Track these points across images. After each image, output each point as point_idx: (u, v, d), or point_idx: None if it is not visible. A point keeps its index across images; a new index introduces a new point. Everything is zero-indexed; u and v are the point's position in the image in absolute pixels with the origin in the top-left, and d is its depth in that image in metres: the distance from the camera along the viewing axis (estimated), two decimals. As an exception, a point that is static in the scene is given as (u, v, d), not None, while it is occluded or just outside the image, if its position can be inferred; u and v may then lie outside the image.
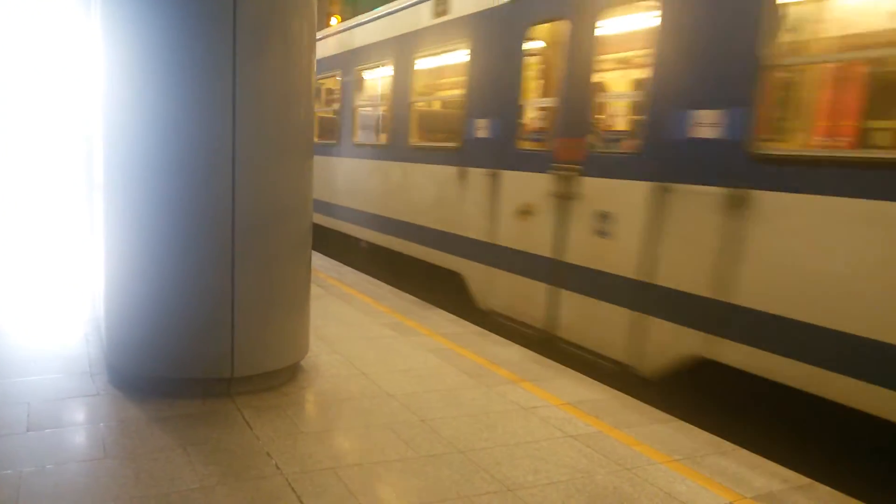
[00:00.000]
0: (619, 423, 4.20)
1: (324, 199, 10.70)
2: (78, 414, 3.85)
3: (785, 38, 4.23)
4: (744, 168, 4.32)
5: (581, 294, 5.63)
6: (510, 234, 6.51)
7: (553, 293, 5.93)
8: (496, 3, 6.66)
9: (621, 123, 6.03)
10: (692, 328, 4.68)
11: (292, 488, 3.14)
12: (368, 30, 9.59)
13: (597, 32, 5.45)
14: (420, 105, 8.53)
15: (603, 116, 6.07)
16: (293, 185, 4.37)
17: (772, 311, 4.17)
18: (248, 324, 4.19)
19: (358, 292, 7.50)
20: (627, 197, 5.15)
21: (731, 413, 4.55)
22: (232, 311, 4.13)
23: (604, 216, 5.40)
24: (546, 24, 6.29)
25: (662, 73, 4.90)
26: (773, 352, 4.16)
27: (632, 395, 4.72)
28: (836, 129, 4.58)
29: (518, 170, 6.39)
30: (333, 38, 10.97)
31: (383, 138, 9.23)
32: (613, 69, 6.30)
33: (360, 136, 10.14)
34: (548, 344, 5.92)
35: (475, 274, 7.08)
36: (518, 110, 6.44)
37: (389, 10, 8.84)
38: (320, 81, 11.59)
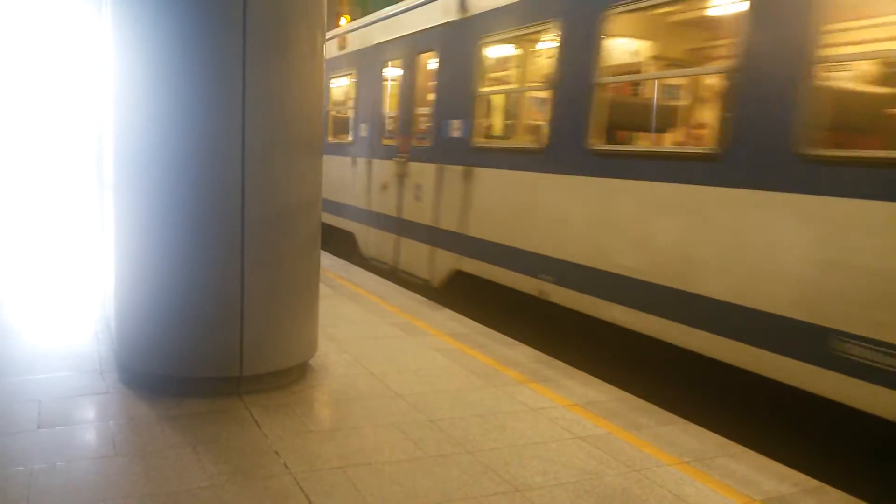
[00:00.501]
0: (628, 424, 4.19)
1: None
2: (88, 412, 3.87)
3: (484, 80, 7.39)
4: (470, 154, 7.30)
5: (409, 239, 8.56)
6: (377, 203, 9.48)
7: (397, 240, 8.91)
8: (368, 45, 9.88)
9: (424, 127, 8.55)
10: (454, 252, 7.58)
11: (301, 487, 3.15)
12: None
13: (412, 69, 8.68)
14: (333, 113, 11.55)
15: (418, 123, 8.74)
16: (302, 184, 4.38)
17: (485, 238, 7.07)
18: (257, 323, 4.21)
19: (366, 292, 7.51)
20: (427, 174, 8.13)
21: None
22: (241, 309, 4.14)
23: (418, 187, 8.34)
24: (393, 60, 9.21)
25: (439, 98, 8.04)
26: (487, 262, 7.03)
27: (640, 397, 4.70)
28: (503, 129, 8.18)
29: (381, 158, 9.40)
30: None
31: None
32: (421, 93, 8.77)
33: None
34: (392, 274, 8.88)
35: (360, 232, 10.06)
36: (381, 118, 9.60)
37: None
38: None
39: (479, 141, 7.22)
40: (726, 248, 4.54)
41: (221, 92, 3.98)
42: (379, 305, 6.89)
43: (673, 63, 6.61)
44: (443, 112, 7.84)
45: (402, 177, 8.73)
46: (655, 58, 6.51)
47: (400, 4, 9.10)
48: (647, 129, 6.32)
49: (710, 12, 5.69)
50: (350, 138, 10.49)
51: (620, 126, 6.02)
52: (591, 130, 5.65)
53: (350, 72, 10.57)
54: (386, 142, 9.37)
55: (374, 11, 10.29)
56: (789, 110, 4.13)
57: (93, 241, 9.29)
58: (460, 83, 7.45)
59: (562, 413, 4.29)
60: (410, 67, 8.70)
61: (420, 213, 8.24)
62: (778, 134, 4.19)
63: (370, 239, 9.71)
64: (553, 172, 6.09)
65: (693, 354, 4.76)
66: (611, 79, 5.84)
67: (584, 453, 3.74)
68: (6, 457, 3.26)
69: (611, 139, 5.75)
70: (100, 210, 6.91)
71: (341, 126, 11.31)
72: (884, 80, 4.74)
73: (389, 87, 9.62)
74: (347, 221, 10.49)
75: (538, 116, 7.22)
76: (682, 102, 6.63)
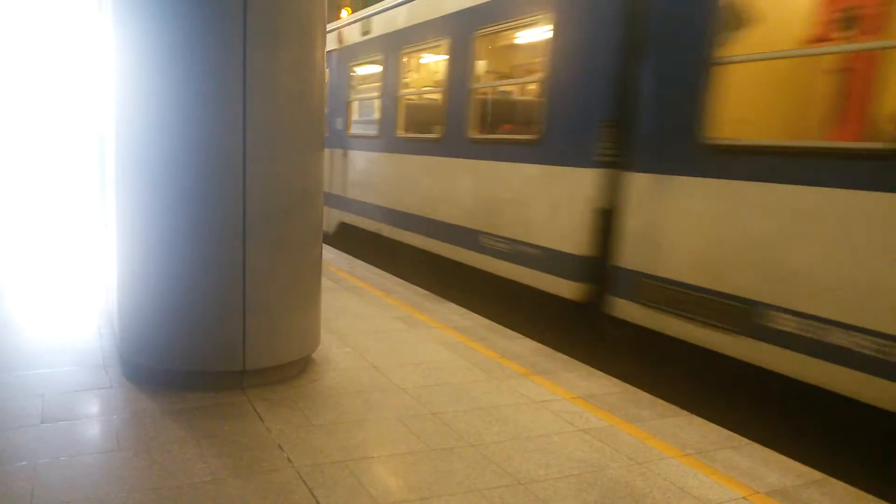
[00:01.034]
0: (631, 417, 4.19)
1: None
2: (91, 406, 3.87)
3: (351, 90, 10.69)
4: (346, 140, 10.66)
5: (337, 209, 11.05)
6: (334, 184, 11.19)
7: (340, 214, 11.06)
8: (333, 48, 11.18)
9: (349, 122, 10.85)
10: (339, 209, 10.89)
11: (304, 481, 3.15)
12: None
13: (350, 73, 10.71)
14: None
15: (352, 118, 10.80)
16: (303, 177, 4.37)
17: (358, 199, 10.20)
18: (260, 317, 4.21)
19: (368, 285, 7.50)
20: (349, 158, 10.59)
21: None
22: (243, 304, 4.14)
23: (357, 169, 10.34)
24: (353, 64, 10.65)
25: (330, 101, 11.06)
26: (360, 215, 10.11)
27: (643, 389, 4.70)
28: (360, 124, 10.52)
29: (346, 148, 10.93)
30: None
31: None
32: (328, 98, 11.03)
33: None
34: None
35: (329, 214, 11.28)
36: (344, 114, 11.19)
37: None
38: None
39: (349, 131, 10.68)
40: (475, 194, 7.33)
41: (222, 85, 3.96)
42: (381, 299, 6.89)
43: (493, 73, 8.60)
44: (333, 111, 11.06)
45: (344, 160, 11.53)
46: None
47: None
48: (429, 125, 8.57)
49: (530, 38, 7.36)
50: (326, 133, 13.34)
51: (416, 122, 9.05)
52: (399, 123, 9.03)
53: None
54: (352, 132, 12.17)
55: (374, 4, 10.22)
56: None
57: (95, 235, 9.29)
58: (340, 92, 10.96)
59: (564, 406, 4.29)
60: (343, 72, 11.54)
61: (346, 188, 11.21)
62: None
63: (331, 217, 12.29)
64: (383, 152, 9.39)
65: (695, 349, 4.76)
66: (405, 91, 9.24)
67: (587, 446, 3.74)
68: (10, 451, 3.27)
69: (409, 129, 8.96)
70: (102, 205, 6.91)
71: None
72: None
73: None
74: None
75: (377, 115, 9.71)
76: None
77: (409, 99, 9.30)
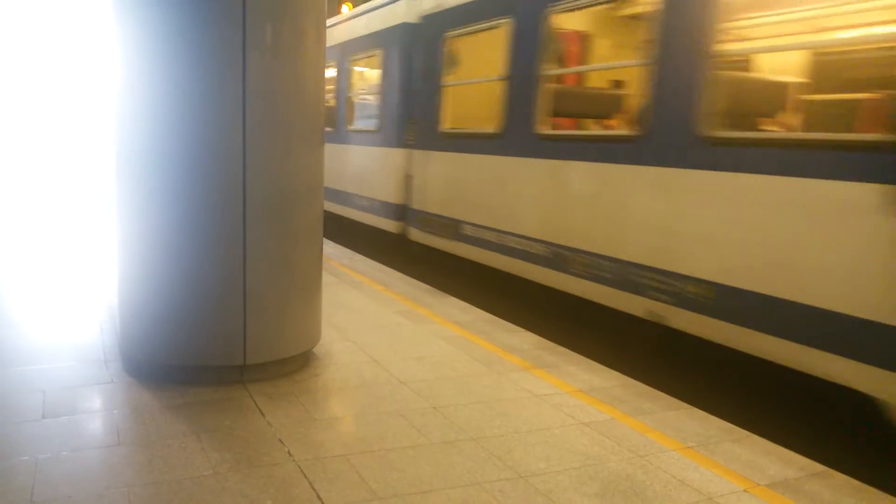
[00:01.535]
0: (632, 410, 4.18)
1: None
2: (92, 401, 3.87)
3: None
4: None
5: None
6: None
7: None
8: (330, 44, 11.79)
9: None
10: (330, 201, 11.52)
11: (304, 475, 3.15)
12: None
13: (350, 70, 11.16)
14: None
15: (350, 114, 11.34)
16: (304, 172, 4.36)
17: (336, 188, 11.21)
18: (260, 311, 4.21)
19: (369, 280, 7.50)
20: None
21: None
22: (244, 298, 4.14)
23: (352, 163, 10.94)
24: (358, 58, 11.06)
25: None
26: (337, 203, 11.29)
27: (644, 383, 4.70)
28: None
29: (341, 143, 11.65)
30: None
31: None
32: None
33: None
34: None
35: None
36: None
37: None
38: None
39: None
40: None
41: (221, 80, 3.96)
42: (382, 293, 6.89)
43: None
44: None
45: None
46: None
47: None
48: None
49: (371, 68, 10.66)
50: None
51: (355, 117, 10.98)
52: (348, 117, 10.87)
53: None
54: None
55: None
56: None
57: (97, 231, 9.30)
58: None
59: (565, 399, 4.29)
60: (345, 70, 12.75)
61: (339, 182, 12.24)
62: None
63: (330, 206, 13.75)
64: (342, 144, 11.04)
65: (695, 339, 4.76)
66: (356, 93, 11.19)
67: (588, 439, 3.73)
68: (11, 446, 3.27)
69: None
70: (103, 200, 6.91)
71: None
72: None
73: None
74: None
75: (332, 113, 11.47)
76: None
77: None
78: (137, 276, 4.20)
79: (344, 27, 11.15)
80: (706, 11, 4.51)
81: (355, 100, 11.10)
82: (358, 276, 7.66)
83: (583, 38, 7.88)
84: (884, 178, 3.60)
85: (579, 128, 7.28)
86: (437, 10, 8.02)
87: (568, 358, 5.13)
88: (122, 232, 4.27)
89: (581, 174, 5.72)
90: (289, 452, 3.37)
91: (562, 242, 5.97)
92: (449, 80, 7.95)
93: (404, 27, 8.88)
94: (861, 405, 3.90)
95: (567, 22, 6.98)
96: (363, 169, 10.19)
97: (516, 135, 6.59)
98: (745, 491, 3.27)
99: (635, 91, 5.51)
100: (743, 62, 5.96)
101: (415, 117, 8.63)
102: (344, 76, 10.96)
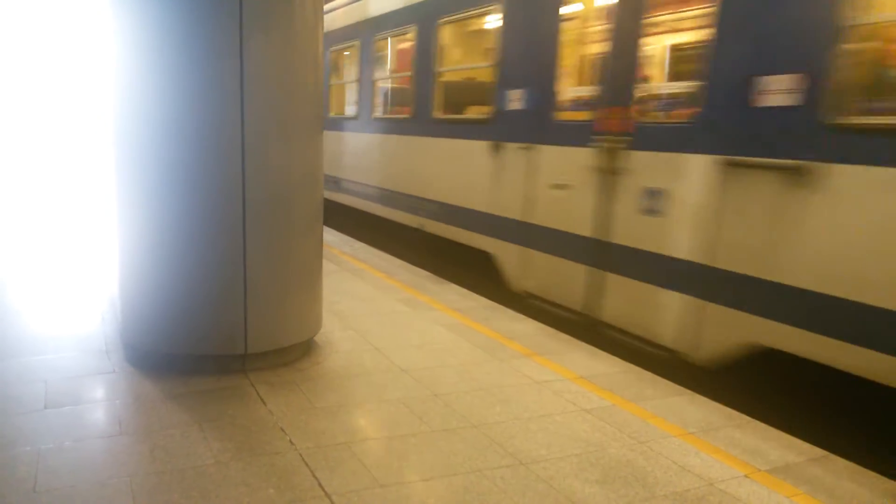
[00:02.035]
0: (633, 396, 4.19)
1: None
2: (94, 391, 3.89)
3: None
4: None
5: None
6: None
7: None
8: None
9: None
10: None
11: (306, 463, 3.16)
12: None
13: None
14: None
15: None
16: (303, 161, 4.34)
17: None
18: (261, 300, 4.21)
19: (370, 267, 7.50)
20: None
21: None
22: (245, 287, 4.14)
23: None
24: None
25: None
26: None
27: (646, 369, 4.70)
28: None
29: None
30: None
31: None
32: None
33: None
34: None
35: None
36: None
37: None
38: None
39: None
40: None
41: (219, 72, 3.93)
42: (383, 281, 6.89)
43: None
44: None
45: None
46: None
47: None
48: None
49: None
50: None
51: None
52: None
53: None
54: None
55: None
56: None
57: (98, 222, 9.30)
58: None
59: (567, 386, 4.29)
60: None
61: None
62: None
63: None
64: None
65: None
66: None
67: (589, 425, 3.74)
68: (14, 437, 3.28)
69: None
70: (104, 192, 6.90)
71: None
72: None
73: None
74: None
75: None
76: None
77: None
78: (138, 266, 4.19)
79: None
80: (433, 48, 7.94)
81: None
82: (359, 264, 7.66)
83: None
84: (485, 138, 7.05)
85: (392, 112, 10.20)
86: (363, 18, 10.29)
87: (569, 344, 5.13)
88: (122, 223, 4.26)
89: (390, 144, 9.39)
90: (290, 441, 3.38)
91: (385, 187, 9.51)
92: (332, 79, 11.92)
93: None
94: (862, 392, 3.90)
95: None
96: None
97: (363, 118, 10.27)
98: (745, 476, 3.28)
99: (410, 88, 8.72)
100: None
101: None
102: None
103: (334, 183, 11.21)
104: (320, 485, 2.99)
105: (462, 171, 7.49)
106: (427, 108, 8.20)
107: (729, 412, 4.03)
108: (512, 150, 6.61)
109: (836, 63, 3.82)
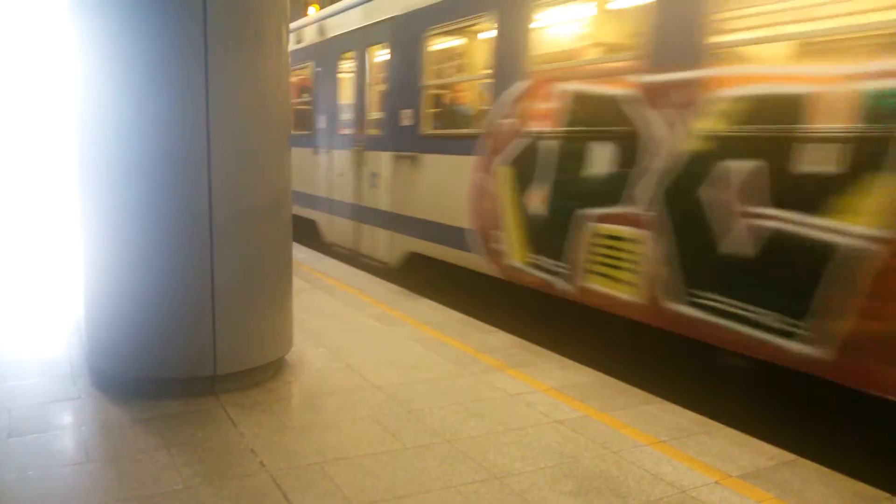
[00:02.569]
0: (605, 406, 4.21)
1: None
2: (60, 418, 3.81)
3: None
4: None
5: None
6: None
7: None
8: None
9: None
10: None
11: (277, 485, 3.13)
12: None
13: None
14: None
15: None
16: (270, 179, 4.32)
17: None
18: (230, 321, 4.16)
19: (342, 284, 7.47)
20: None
21: None
22: (213, 308, 4.10)
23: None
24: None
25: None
26: None
27: (618, 378, 4.72)
28: None
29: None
30: None
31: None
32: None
33: None
34: None
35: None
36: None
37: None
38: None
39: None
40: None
41: (184, 89, 3.91)
42: (356, 297, 6.86)
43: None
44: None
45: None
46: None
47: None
48: None
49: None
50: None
51: None
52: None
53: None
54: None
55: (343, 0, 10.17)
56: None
57: (63, 243, 9.14)
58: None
59: (539, 397, 4.30)
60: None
61: None
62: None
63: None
64: None
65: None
66: None
67: (562, 437, 3.75)
68: (-25, 468, 3.20)
69: None
70: (68, 211, 6.79)
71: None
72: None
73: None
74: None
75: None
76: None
77: None
78: (103, 288, 4.13)
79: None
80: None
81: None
82: (330, 281, 7.62)
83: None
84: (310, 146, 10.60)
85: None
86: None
87: (541, 356, 5.15)
88: (86, 243, 4.20)
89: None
90: (262, 463, 3.33)
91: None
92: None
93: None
94: (830, 393, 3.96)
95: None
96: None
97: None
98: (717, 483, 3.31)
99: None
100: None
101: None
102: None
103: None
104: (292, 506, 2.96)
105: (299, 169, 9.69)
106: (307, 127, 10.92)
107: (700, 418, 4.07)
108: (321, 153, 10.25)
109: (422, 104, 7.48)
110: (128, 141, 3.93)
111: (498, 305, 6.73)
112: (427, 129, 7.48)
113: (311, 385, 4.41)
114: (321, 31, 10.19)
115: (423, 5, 7.32)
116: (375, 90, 8.93)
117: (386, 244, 8.30)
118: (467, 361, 4.94)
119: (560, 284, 5.61)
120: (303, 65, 10.78)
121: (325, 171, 10.10)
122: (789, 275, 3.91)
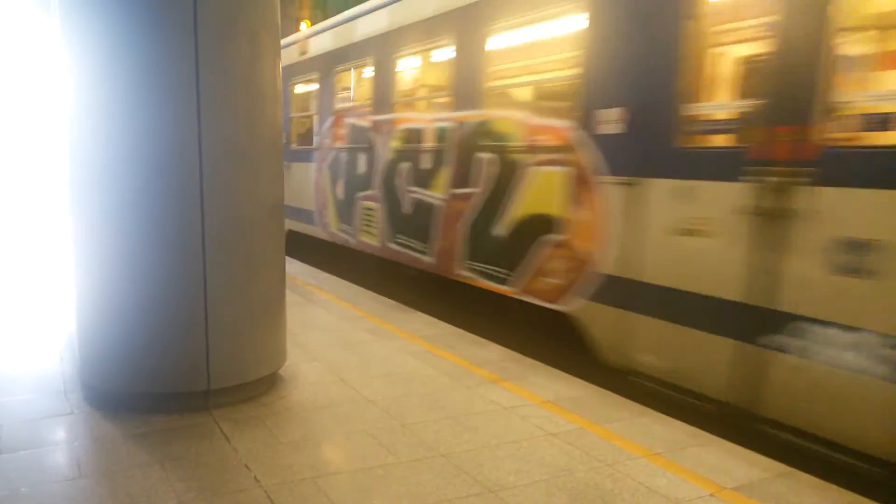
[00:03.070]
0: (600, 418, 4.21)
1: None
2: (52, 434, 3.78)
3: None
4: None
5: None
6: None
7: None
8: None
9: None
10: None
11: (271, 500, 3.11)
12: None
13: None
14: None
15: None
16: (263, 192, 4.33)
17: None
18: (223, 335, 4.15)
19: (336, 297, 7.46)
20: None
21: None
22: (205, 322, 4.09)
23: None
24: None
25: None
26: None
27: (612, 391, 4.73)
28: None
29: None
30: None
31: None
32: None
33: None
34: None
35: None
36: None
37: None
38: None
39: None
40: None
41: (175, 100, 3.92)
42: (349, 311, 6.86)
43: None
44: None
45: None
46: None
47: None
48: None
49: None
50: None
51: None
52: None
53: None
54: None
55: (335, 16, 10.25)
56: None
57: (55, 259, 9.11)
58: None
59: (533, 410, 4.30)
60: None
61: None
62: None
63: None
64: None
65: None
66: None
67: (556, 450, 3.75)
68: (-34, 485, 3.18)
69: None
70: (61, 226, 6.77)
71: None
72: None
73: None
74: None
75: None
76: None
77: None
78: (95, 303, 4.12)
79: None
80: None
81: None
82: (324, 295, 7.62)
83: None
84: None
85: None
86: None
87: (535, 368, 5.15)
88: (78, 258, 4.18)
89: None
90: (255, 478, 3.32)
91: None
92: None
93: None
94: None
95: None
96: None
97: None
98: (711, 495, 3.31)
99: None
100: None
101: None
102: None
103: None
104: (286, 522, 2.95)
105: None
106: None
107: (694, 430, 4.07)
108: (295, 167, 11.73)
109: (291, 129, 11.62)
110: (118, 156, 3.93)
111: (491, 319, 6.74)
112: (293, 145, 11.59)
113: (305, 399, 4.40)
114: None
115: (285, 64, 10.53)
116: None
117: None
118: (461, 374, 4.94)
119: (351, 241, 9.31)
120: None
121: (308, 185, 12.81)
122: (422, 221, 7.45)
